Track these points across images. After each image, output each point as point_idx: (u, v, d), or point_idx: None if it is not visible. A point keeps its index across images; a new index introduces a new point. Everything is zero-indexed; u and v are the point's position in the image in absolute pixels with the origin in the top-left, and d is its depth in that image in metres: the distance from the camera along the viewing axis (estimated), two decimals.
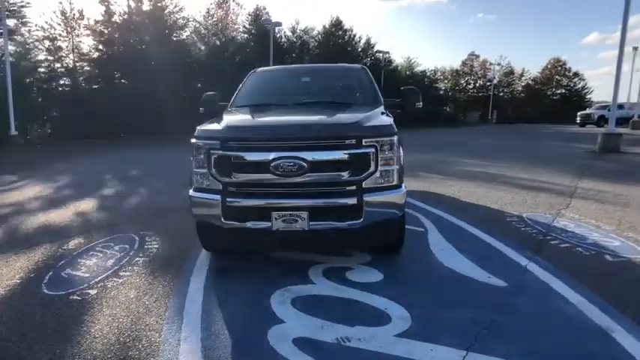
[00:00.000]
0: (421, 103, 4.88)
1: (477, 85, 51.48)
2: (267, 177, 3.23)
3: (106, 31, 25.01)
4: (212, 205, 3.33)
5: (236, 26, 34.03)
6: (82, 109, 22.34)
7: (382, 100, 4.64)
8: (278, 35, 31.97)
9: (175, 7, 26.90)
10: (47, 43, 24.48)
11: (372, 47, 39.24)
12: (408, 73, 42.12)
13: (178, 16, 27.23)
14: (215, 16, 32.25)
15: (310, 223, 3.24)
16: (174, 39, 26.97)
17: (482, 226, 4.78)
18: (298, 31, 35.22)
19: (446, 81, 50.42)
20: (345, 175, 3.25)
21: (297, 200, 3.24)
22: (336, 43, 36.03)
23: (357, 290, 3.20)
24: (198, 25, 30.66)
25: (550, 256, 3.84)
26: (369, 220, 3.30)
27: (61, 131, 23.24)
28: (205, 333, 2.59)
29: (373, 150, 3.28)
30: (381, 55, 38.31)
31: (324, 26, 36.76)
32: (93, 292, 3.22)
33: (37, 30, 24.47)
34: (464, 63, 51.29)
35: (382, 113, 4.03)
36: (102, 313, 2.88)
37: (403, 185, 3.51)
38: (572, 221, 5.06)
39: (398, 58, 53.59)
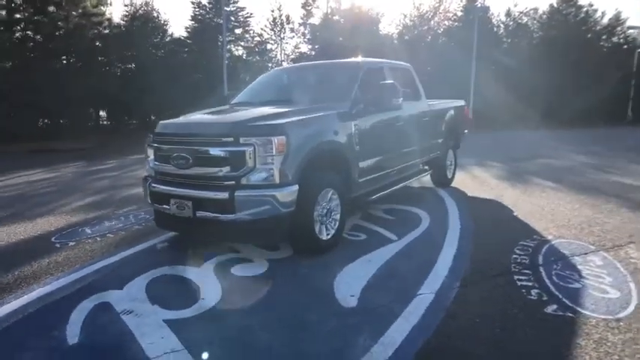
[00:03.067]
0: (400, 100, 4.60)
1: None
2: (168, 168, 3.94)
3: (306, 32, 28.66)
4: (145, 189, 4.25)
5: (449, 14, 32.87)
6: None
7: (354, 97, 4.58)
8: (493, 21, 29.80)
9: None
10: (261, 46, 29.82)
11: (622, 23, 31.63)
12: None
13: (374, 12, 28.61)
14: (420, 8, 32.08)
15: (196, 212, 3.77)
16: (379, 33, 28.27)
17: None
18: (516, 13, 31.64)
19: None
20: (224, 170, 3.64)
21: (185, 190, 3.83)
22: (567, 22, 30.76)
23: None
24: (404, 16, 31.07)
25: None
26: (243, 215, 3.60)
27: None
28: None
29: (251, 149, 3.55)
30: (635, 31, 30.66)
31: (550, 5, 32.01)
32: None
33: (255, 36, 30.08)
34: None
35: (323, 112, 4.21)
36: None
37: (289, 185, 3.62)
38: None
39: None
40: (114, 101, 21.50)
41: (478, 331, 2.67)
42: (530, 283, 3.33)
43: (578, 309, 2.91)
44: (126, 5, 24.91)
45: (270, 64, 30.55)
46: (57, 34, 19.45)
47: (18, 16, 19.23)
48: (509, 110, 22.13)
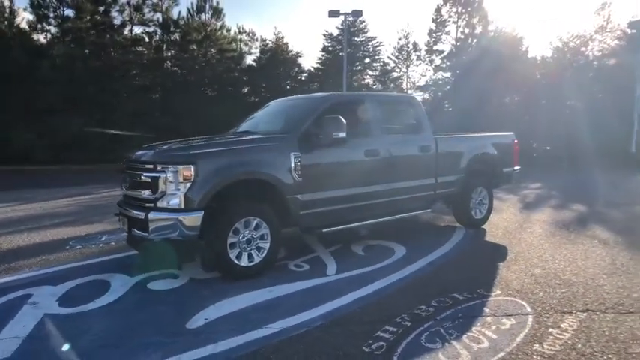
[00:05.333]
0: (342, 134, 4.67)
1: None
2: (121, 190, 4.76)
3: (434, 58, 28.36)
4: None
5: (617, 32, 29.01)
6: None
7: (304, 129, 4.82)
8: None
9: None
10: (386, 75, 30.48)
11: None
12: None
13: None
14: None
15: (131, 228, 4.48)
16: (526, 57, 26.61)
17: None
18: None
19: None
20: (145, 194, 4.29)
21: (124, 209, 4.57)
22: None
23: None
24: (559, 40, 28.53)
25: None
26: (156, 235, 4.19)
27: None
28: None
29: (164, 175, 4.14)
30: None
31: None
32: None
33: (383, 65, 30.89)
34: None
35: (256, 143, 4.66)
36: None
37: (194, 211, 4.08)
38: None
39: None
40: None
41: None
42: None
43: None
44: (258, 40, 27.83)
45: (395, 93, 31.08)
46: (196, 67, 23.09)
47: (167, 54, 23.47)
48: None
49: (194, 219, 4.08)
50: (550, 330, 3.24)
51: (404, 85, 30.95)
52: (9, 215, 8.22)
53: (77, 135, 17.84)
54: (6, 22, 20.01)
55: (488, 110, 23.40)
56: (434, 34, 28.27)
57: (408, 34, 30.27)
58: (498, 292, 4.04)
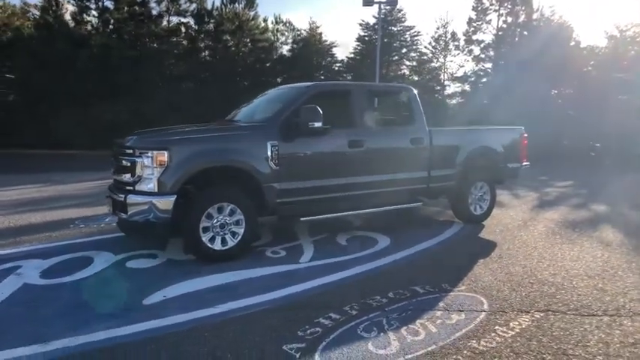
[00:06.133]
0: (318, 124, 4.73)
1: None
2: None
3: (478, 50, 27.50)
4: None
5: None
6: None
7: (283, 119, 4.92)
8: None
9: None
10: (423, 65, 29.91)
11: None
12: None
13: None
14: None
15: (115, 210, 4.76)
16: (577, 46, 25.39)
17: None
18: None
19: None
20: (126, 177, 4.54)
21: (111, 193, 4.84)
22: None
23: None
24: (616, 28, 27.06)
25: None
26: (133, 216, 4.44)
27: None
28: None
29: (141, 159, 4.38)
30: None
31: None
32: None
33: (419, 56, 30.35)
34: None
35: (233, 131, 4.84)
36: None
37: (167, 195, 4.29)
38: None
39: None
40: None
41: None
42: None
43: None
44: (293, 30, 28.04)
45: (432, 84, 30.50)
46: (229, 57, 23.60)
47: (201, 45, 24.10)
48: None
49: (167, 202, 4.28)
50: (496, 327, 3.20)
51: (441, 77, 30.28)
52: (34, 195, 8.85)
53: (112, 122, 18.72)
54: (52, 14, 21.17)
55: (531, 104, 22.51)
56: (473, 23, 27.48)
57: (447, 23, 29.57)
58: (463, 287, 4.00)
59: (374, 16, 29.46)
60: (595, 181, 12.89)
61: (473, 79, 28.69)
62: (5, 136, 19.93)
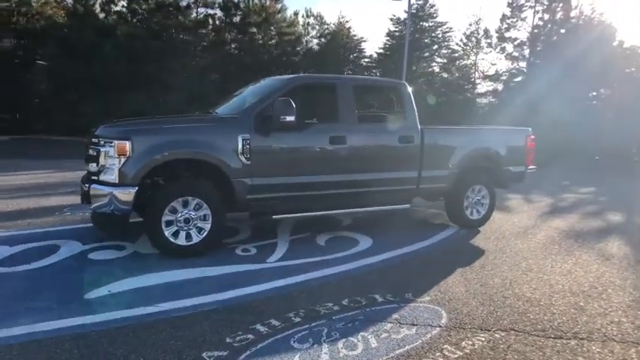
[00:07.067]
0: (290, 118, 4.51)
1: None
2: None
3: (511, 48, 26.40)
4: None
5: None
6: None
7: (258, 111, 4.73)
8: None
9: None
10: (452, 63, 29.05)
11: None
12: None
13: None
14: None
15: (83, 200, 4.70)
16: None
17: None
18: None
19: None
20: (92, 167, 4.47)
21: (81, 182, 4.76)
22: None
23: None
24: None
25: None
26: (97, 208, 4.37)
27: None
28: None
29: (104, 149, 4.29)
30: None
31: None
32: None
33: (450, 52, 29.48)
34: None
35: (202, 123, 4.74)
36: None
37: (128, 186, 4.18)
38: None
39: None
40: None
41: None
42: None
43: None
44: (321, 24, 27.76)
45: (462, 81, 29.60)
46: (255, 50, 23.60)
47: (227, 37, 24.19)
48: None
49: (127, 194, 4.18)
50: (444, 346, 2.93)
51: (472, 75, 29.29)
52: (39, 181, 9.05)
53: (136, 112, 19.04)
54: (82, 2, 21.70)
55: (567, 105, 21.45)
56: (507, 20, 26.37)
57: (480, 19, 28.55)
58: (426, 298, 3.73)
59: (405, 11, 28.79)
60: (621, 189, 12.11)
61: (505, 77, 27.59)
62: (35, 122, 20.64)
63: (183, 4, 23.44)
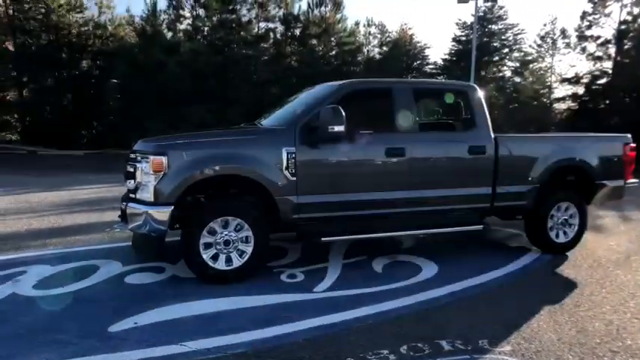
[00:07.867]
0: (339, 128, 3.99)
1: None
2: None
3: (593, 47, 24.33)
4: None
5: None
6: None
7: (306, 121, 4.28)
8: None
9: None
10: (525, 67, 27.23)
11: None
12: None
13: None
14: None
15: (122, 220, 4.45)
16: None
17: None
18: None
19: None
20: (130, 184, 4.21)
21: (122, 200, 4.52)
22: None
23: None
24: None
25: None
26: (132, 227, 4.10)
27: None
28: None
29: (140, 165, 4.01)
30: None
31: None
32: None
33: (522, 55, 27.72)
34: None
35: (244, 135, 4.39)
36: None
37: (165, 205, 3.86)
38: None
39: None
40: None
41: None
42: None
43: None
44: (383, 33, 27.22)
45: (537, 86, 27.69)
46: (315, 61, 23.52)
47: (288, 50, 24.32)
48: None
49: (163, 213, 3.86)
50: None
51: (548, 78, 27.26)
52: (97, 195, 9.22)
53: (200, 125, 19.54)
54: (150, 23, 22.82)
55: None
56: (589, 17, 24.28)
57: (555, 18, 26.57)
58: (507, 348, 3.01)
59: (472, 15, 27.50)
60: None
61: (587, 80, 25.33)
62: (108, 137, 21.85)
63: (245, 19, 23.90)
